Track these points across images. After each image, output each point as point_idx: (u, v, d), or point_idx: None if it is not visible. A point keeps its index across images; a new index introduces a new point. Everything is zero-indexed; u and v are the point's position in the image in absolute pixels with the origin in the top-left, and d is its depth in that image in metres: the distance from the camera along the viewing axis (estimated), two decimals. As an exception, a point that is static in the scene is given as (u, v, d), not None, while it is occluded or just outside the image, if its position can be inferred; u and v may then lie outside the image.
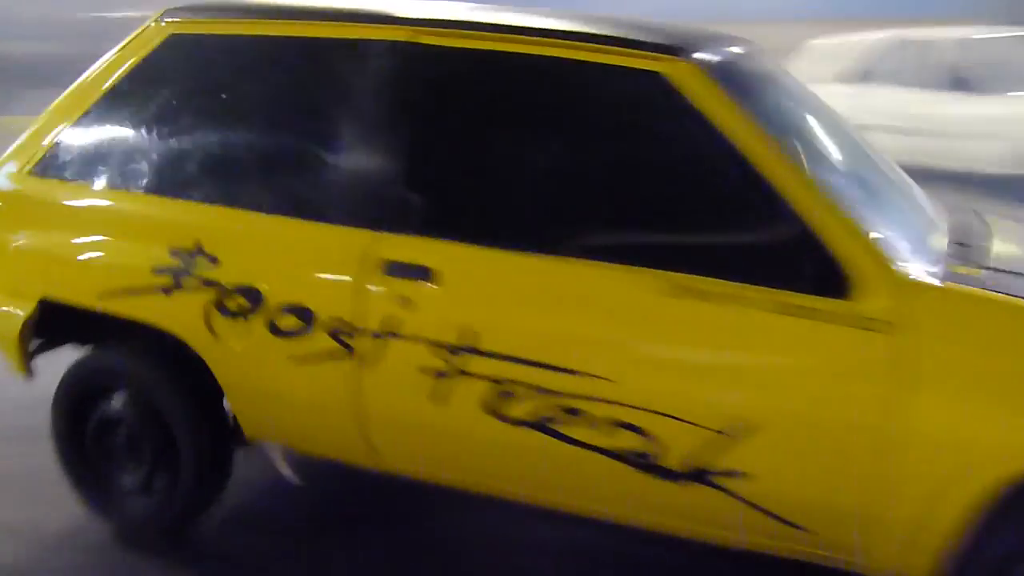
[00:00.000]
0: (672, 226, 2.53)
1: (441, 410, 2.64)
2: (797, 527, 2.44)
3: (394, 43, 2.74)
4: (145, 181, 2.97)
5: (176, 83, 3.03)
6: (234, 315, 2.79)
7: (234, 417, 3.02)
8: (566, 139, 2.66)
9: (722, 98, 2.50)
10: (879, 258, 2.33)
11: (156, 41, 3.05)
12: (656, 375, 2.48)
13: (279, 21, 2.93)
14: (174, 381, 3.01)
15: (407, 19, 2.78)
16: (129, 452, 3.11)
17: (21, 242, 3.09)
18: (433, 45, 2.72)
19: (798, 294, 2.34)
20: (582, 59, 2.62)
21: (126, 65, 3.07)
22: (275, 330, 2.75)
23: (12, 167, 3.15)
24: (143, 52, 3.05)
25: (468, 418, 2.63)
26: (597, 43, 2.62)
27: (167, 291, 2.86)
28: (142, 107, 3.04)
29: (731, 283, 2.40)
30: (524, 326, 2.56)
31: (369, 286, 2.65)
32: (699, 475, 2.46)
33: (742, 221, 2.44)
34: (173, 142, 2.97)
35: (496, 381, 2.57)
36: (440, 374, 2.62)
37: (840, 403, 2.31)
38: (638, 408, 2.46)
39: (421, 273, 2.63)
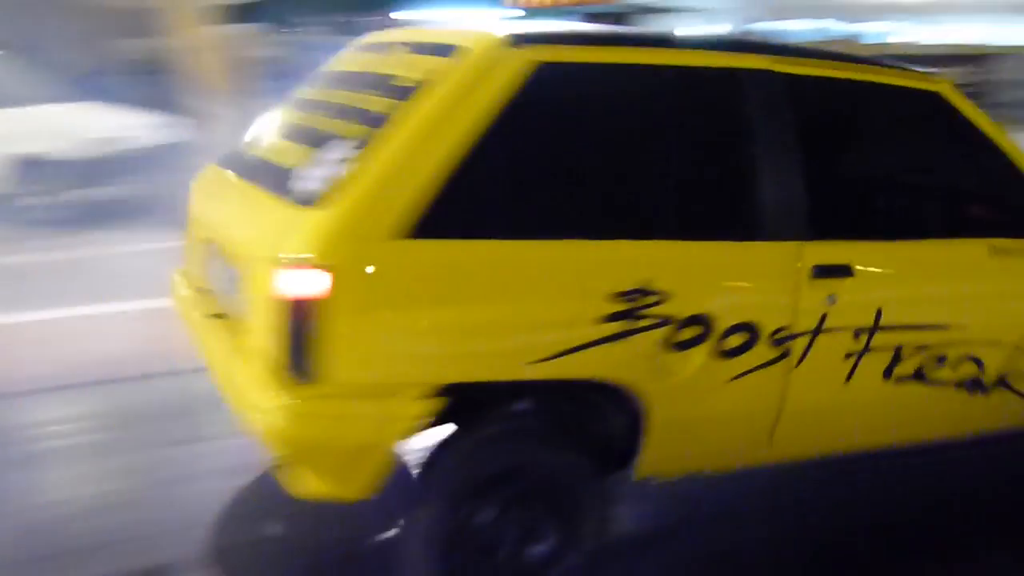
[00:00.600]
0: (979, 205, 3.47)
1: (851, 386, 3.20)
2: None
3: (767, 72, 3.08)
4: (557, 226, 2.71)
5: (563, 115, 2.81)
6: (683, 346, 2.85)
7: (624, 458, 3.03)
8: (906, 149, 3.48)
9: (975, 107, 3.44)
10: None
11: (517, 70, 2.73)
12: (988, 316, 3.42)
13: (653, 50, 2.98)
14: (583, 444, 2.97)
15: (766, 48, 3.16)
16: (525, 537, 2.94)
17: (403, 323, 2.57)
18: (789, 73, 3.12)
19: None
20: (883, 82, 3.31)
21: (483, 99, 2.68)
22: (722, 353, 2.92)
23: (347, 236, 2.55)
24: (502, 82, 2.71)
25: (871, 387, 3.24)
26: (890, 68, 3.36)
27: (614, 339, 2.75)
28: (527, 144, 2.74)
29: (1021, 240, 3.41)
30: (911, 297, 3.27)
31: (803, 290, 3.03)
32: (1001, 381, 3.48)
33: (1013, 195, 3.47)
34: (574, 179, 2.79)
35: (894, 349, 3.23)
36: (853, 355, 3.17)
37: None
38: (978, 343, 3.38)
39: (843, 271, 3.11)
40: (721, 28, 24.65)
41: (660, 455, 3.00)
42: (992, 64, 9.43)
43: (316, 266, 2.49)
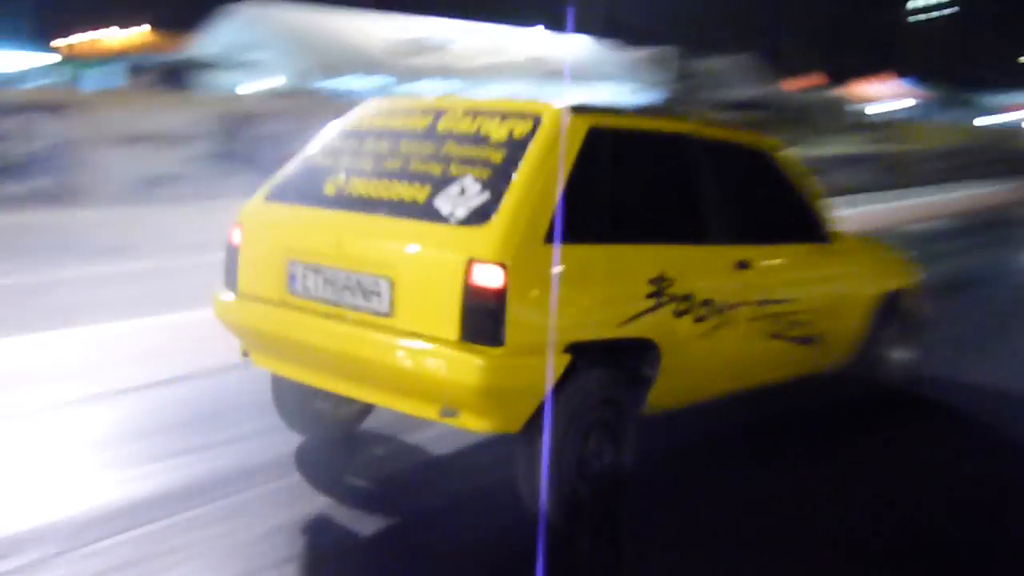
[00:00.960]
0: (797, 221, 5.31)
1: (753, 341, 4.75)
2: (830, 347, 5.44)
3: (702, 137, 4.76)
4: (616, 235, 4.08)
5: (607, 162, 4.15)
6: (679, 315, 4.26)
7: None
8: (763, 186, 5.24)
9: (793, 164, 5.44)
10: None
11: (581, 135, 4.03)
12: (811, 292, 5.15)
13: (649, 118, 4.65)
14: (630, 380, 4.24)
15: (696, 118, 5.35)
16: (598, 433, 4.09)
17: (546, 302, 3.69)
18: (712, 138, 4.82)
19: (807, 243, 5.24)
20: (745, 143, 5.18)
21: (565, 156, 3.94)
22: (697, 319, 4.36)
23: (512, 244, 3.66)
24: (576, 144, 4.00)
25: (762, 342, 4.82)
26: (743, 133, 5.28)
27: (651, 310, 4.14)
28: (593, 181, 4.03)
29: (801, 245, 5.21)
30: (777, 281, 4.91)
31: (732, 277, 4.57)
32: (820, 337, 5.27)
33: (810, 215, 5.30)
34: (620, 204, 4.15)
35: (772, 316, 4.83)
36: (753, 319, 4.71)
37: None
38: (808, 311, 5.08)
39: (747, 265, 4.65)
40: (274, 81, 25.15)
41: (663, 391, 4.32)
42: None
43: (499, 263, 3.59)
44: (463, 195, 3.91)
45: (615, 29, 35.09)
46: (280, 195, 4.53)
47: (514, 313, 3.61)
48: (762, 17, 58.54)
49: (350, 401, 4.83)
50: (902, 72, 52.98)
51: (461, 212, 3.83)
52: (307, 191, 4.46)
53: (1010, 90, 58.96)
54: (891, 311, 5.90)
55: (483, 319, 3.64)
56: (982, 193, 23.37)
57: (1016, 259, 13.74)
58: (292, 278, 4.28)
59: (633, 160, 4.27)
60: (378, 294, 3.99)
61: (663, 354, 4.19)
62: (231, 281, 4.52)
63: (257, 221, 4.50)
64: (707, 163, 4.63)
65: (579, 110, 4.05)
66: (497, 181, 3.84)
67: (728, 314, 4.53)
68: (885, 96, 48.41)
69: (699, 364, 4.49)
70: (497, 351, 3.59)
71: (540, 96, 4.37)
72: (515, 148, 3.92)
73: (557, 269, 3.73)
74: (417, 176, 4.13)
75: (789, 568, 3.76)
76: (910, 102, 49.98)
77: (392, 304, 3.89)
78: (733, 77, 32.64)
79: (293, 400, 4.77)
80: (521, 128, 3.99)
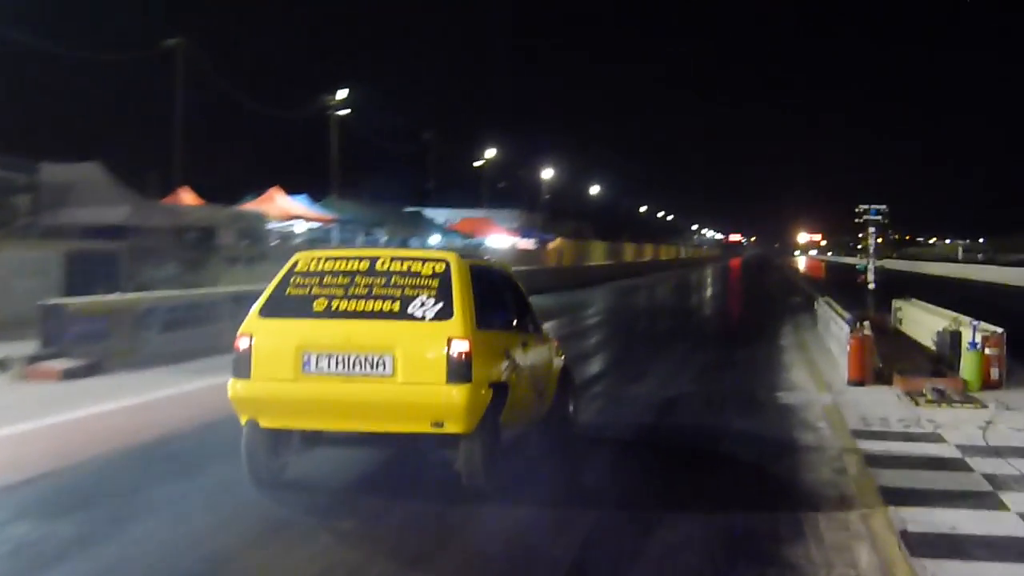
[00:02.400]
0: (517, 315, 9.77)
1: (523, 392, 8.93)
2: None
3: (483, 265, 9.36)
4: (493, 324, 8.54)
5: (476, 282, 8.35)
6: (513, 371, 8.57)
7: None
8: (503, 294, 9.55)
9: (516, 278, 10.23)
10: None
11: (469, 268, 8.35)
12: (535, 363, 9.63)
13: (480, 261, 9.44)
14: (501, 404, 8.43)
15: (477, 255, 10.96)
16: None
17: (483, 359, 8.00)
18: (479, 265, 9.05)
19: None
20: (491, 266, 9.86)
21: (467, 277, 8.22)
22: (514, 370, 8.64)
23: (468, 328, 7.79)
24: (467, 272, 8.27)
25: (527, 394, 9.01)
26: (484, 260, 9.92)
27: (506, 369, 8.53)
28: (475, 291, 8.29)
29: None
30: (527, 354, 9.24)
31: (519, 350, 8.97)
32: (544, 392, 10.08)
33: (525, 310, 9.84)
34: (488, 304, 8.54)
35: (529, 377, 9.17)
36: (521, 377, 8.83)
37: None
38: (539, 376, 9.70)
39: (525, 345, 9.23)
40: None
41: (507, 411, 8.26)
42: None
43: (466, 339, 7.56)
44: (424, 306, 7.75)
45: None
46: (274, 313, 7.87)
47: (475, 364, 7.58)
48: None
49: (291, 454, 8.31)
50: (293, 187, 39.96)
51: (430, 314, 7.73)
52: (298, 309, 7.85)
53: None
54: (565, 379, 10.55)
55: (460, 368, 7.54)
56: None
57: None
58: (306, 363, 7.64)
59: (480, 283, 8.27)
60: (383, 365, 7.60)
61: (510, 390, 8.37)
62: (244, 372, 7.70)
63: (265, 329, 7.82)
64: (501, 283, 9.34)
65: (464, 256, 8.42)
66: (443, 296, 7.78)
67: (519, 371, 8.65)
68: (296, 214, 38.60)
69: (519, 398, 8.61)
70: (470, 385, 7.55)
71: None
72: (443, 278, 7.88)
73: (485, 341, 7.88)
74: (382, 297, 7.80)
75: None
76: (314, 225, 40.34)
77: (394, 369, 7.58)
78: (84, 193, 25.02)
79: (263, 460, 7.95)
80: (440, 269, 7.97)
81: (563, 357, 10.64)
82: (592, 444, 10.53)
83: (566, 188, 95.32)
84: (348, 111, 50.69)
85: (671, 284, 60.83)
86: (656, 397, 13.81)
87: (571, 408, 10.66)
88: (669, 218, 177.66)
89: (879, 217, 50.42)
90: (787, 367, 17.50)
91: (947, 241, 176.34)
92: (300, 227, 39.44)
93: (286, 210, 37.87)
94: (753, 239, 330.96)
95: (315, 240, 38.90)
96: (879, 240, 42.02)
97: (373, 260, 8.02)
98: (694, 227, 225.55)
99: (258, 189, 38.57)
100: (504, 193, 79.72)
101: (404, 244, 44.41)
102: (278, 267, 8.10)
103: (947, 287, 47.70)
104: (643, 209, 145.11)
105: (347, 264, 8.00)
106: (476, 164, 73.13)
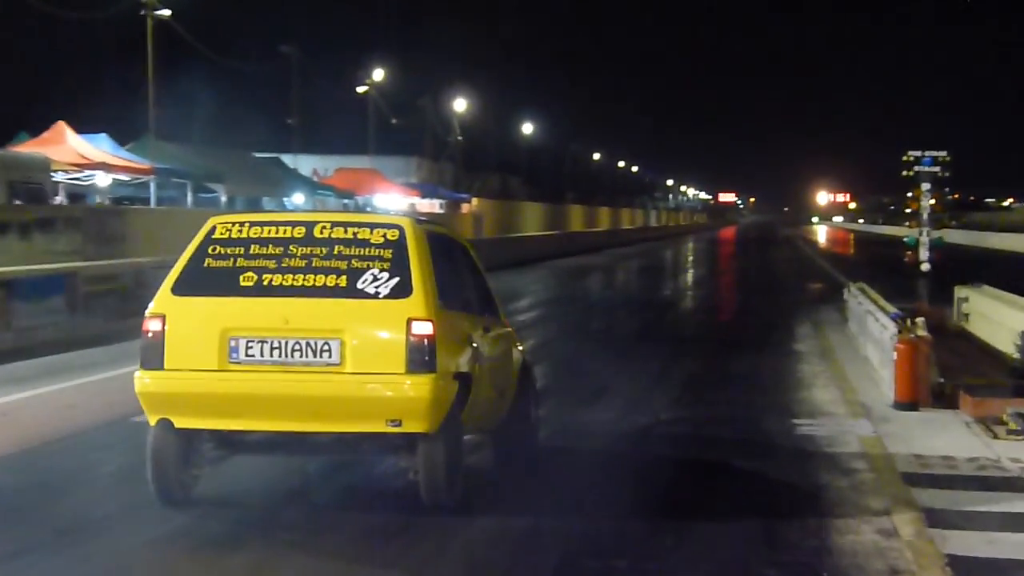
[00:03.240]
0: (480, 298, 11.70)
1: (484, 387, 10.17)
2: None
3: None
4: (456, 302, 9.95)
5: (435, 250, 9.98)
6: (477, 361, 9.90)
7: None
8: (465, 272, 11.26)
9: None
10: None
11: (426, 234, 9.81)
12: (495, 352, 10.99)
13: (433, 225, 10.77)
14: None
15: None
16: None
17: (448, 344, 9.26)
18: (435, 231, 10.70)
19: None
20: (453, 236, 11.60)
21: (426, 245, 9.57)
22: (478, 362, 10.02)
23: (432, 307, 8.89)
24: (425, 239, 9.65)
25: (487, 390, 10.17)
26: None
27: (470, 358, 10.02)
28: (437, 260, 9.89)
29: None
30: (488, 342, 10.63)
31: (482, 338, 10.46)
32: (505, 388, 11.54)
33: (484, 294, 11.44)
34: (458, 279, 10.59)
35: (490, 370, 10.44)
36: (483, 368, 10.18)
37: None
38: (499, 368, 10.97)
39: (488, 329, 10.76)
40: None
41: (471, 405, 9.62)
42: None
43: (427, 320, 8.66)
44: (376, 281, 8.67)
45: None
46: (190, 290, 8.76)
47: (439, 350, 8.56)
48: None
49: (200, 469, 9.24)
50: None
51: (384, 291, 8.68)
52: (220, 285, 8.76)
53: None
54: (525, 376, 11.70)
55: (422, 354, 8.53)
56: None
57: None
58: (234, 350, 8.53)
59: (439, 254, 9.37)
60: (329, 351, 8.53)
61: (473, 381, 9.52)
62: (155, 361, 8.58)
63: (180, 309, 8.64)
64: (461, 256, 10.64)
65: (420, 221, 9.46)
66: (399, 269, 8.74)
67: (481, 363, 9.77)
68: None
69: (480, 396, 9.66)
70: (434, 375, 8.55)
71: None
72: (397, 247, 8.81)
73: (449, 323, 9.01)
74: (325, 270, 8.71)
75: None
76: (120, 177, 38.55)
77: (342, 356, 8.53)
78: None
79: (174, 471, 8.83)
80: (393, 235, 8.93)
81: (523, 350, 11.87)
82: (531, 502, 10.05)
83: (488, 128, 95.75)
84: (169, 12, 49.37)
85: (638, 264, 61.78)
86: (621, 427, 13.74)
87: (533, 414, 11.55)
88: (634, 170, 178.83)
89: (935, 169, 48.05)
90: (806, 383, 17.65)
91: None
92: (102, 180, 38.06)
93: (83, 155, 36.08)
94: (752, 200, 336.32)
95: (122, 200, 37.60)
96: (933, 202, 41.48)
97: (310, 225, 9.09)
98: (670, 182, 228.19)
99: (36, 126, 37.44)
100: (399, 133, 79.56)
101: (255, 206, 43.64)
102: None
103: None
104: (596, 157, 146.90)
105: (278, 231, 9.04)
106: (359, 90, 72.32)
